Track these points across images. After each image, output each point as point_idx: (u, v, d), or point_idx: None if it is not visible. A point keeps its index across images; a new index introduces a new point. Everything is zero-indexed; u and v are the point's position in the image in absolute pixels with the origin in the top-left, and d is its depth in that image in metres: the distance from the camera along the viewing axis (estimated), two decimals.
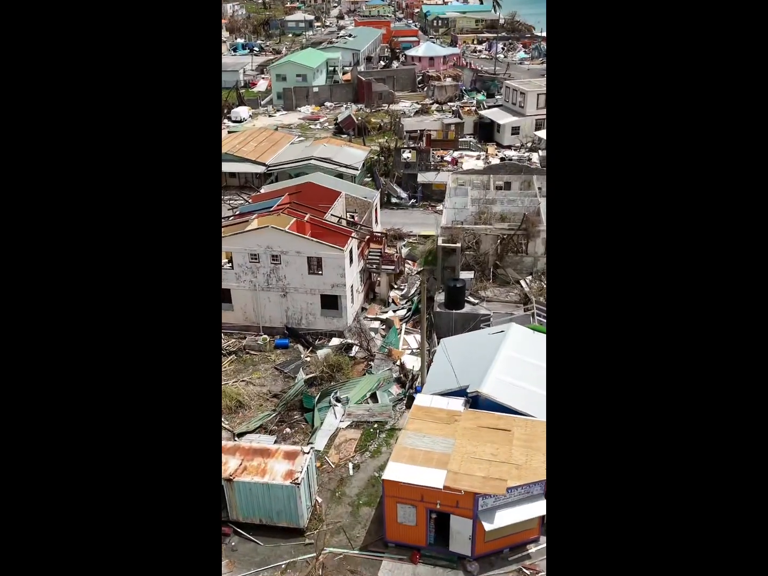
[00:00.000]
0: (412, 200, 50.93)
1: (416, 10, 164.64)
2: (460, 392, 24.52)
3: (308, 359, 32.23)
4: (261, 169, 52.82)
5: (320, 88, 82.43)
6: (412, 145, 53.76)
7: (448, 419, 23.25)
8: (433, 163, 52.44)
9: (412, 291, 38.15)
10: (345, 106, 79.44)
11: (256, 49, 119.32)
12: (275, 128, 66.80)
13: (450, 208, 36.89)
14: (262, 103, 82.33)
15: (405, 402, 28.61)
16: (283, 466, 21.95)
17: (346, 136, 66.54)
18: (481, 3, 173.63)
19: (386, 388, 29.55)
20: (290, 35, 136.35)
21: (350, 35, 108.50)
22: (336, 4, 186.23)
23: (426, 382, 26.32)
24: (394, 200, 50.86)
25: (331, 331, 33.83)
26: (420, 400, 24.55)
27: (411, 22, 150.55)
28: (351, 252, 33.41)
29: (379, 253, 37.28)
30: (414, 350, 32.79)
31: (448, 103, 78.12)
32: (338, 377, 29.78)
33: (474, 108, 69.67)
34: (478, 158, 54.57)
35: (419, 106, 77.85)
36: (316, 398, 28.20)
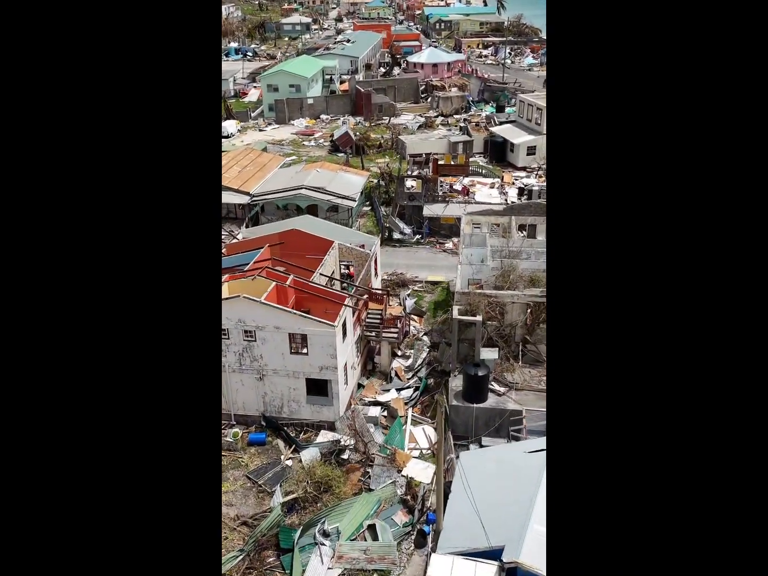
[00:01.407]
0: (417, 236, 44.26)
1: (417, 12, 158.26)
2: (490, 552, 17.89)
3: (289, 462, 25.57)
4: (245, 200, 46.18)
5: (315, 99, 75.74)
6: (417, 173, 47.01)
7: None
8: (440, 193, 45.72)
9: (419, 361, 31.49)
10: (342, 119, 72.76)
11: (250, 54, 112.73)
12: (264, 147, 60.06)
13: (466, 264, 30.23)
14: (253, 115, 75.66)
15: (414, 538, 21.95)
16: None
17: (342, 154, 59.95)
18: (485, 5, 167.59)
19: (388, 514, 22.84)
20: (286, 39, 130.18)
21: (348, 40, 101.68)
22: (335, 6, 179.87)
23: (443, 528, 19.62)
24: (396, 236, 44.18)
25: (320, 422, 27.18)
26: (437, 565, 17.87)
27: (412, 24, 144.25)
28: (344, 324, 26.76)
29: (379, 317, 30.65)
30: (423, 451, 26.14)
31: (454, 116, 71.54)
32: (326, 499, 23.09)
33: (484, 123, 62.91)
34: (492, 186, 47.81)
35: (423, 119, 71.20)
36: (297, 534, 21.54)
